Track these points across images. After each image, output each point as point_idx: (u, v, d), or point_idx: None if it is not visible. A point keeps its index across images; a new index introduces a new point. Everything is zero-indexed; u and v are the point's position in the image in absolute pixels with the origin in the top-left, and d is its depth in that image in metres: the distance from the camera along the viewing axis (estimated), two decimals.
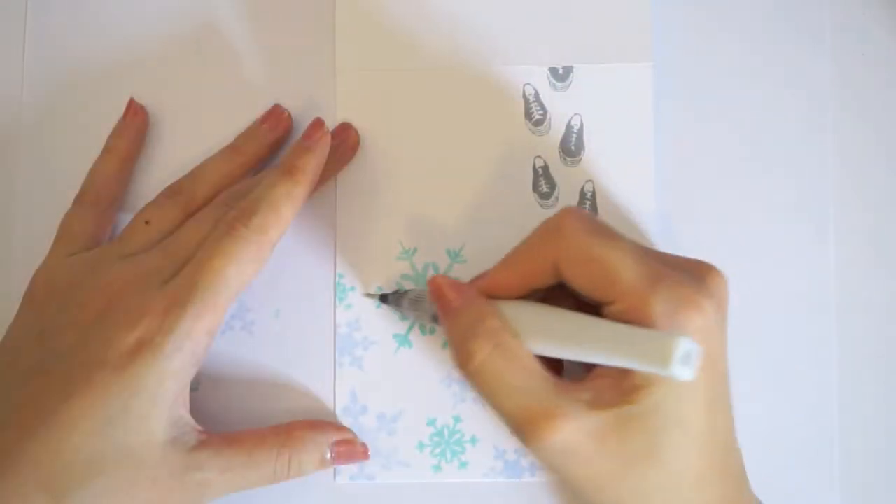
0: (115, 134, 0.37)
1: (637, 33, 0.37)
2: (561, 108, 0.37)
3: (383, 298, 0.36)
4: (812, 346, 0.37)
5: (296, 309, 0.37)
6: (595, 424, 0.29)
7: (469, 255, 0.37)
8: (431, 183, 0.37)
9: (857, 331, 0.37)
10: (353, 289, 0.37)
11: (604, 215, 0.37)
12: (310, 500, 0.36)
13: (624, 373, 0.29)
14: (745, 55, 0.38)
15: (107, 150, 0.37)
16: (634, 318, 0.28)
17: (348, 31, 0.38)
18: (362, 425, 0.36)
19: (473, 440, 0.36)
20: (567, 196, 0.37)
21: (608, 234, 0.30)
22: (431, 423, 0.37)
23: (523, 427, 0.29)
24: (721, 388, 0.30)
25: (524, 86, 0.38)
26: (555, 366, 0.31)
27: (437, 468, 0.36)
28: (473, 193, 0.37)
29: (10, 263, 0.37)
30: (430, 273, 0.37)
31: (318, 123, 0.35)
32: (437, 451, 0.36)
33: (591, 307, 0.30)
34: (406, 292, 0.36)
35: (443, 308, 0.32)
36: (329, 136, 0.35)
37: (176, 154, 0.38)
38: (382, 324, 0.37)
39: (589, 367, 0.30)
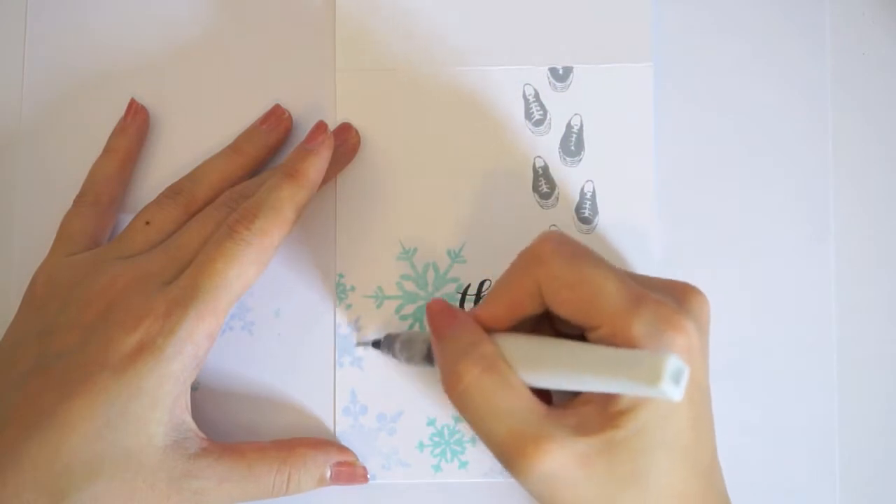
0: (116, 134, 0.37)
1: (637, 33, 0.37)
2: (561, 108, 0.37)
3: (375, 344, 0.36)
4: (812, 346, 0.37)
5: (296, 309, 0.37)
6: (582, 450, 0.28)
7: (469, 255, 0.37)
8: (431, 183, 0.37)
9: (857, 331, 0.37)
10: (353, 289, 0.37)
11: (604, 215, 0.37)
12: (310, 499, 0.36)
13: (609, 398, 0.29)
14: (744, 55, 0.38)
15: (107, 149, 0.37)
16: (619, 342, 0.28)
17: (348, 31, 0.38)
18: (362, 425, 0.36)
19: (473, 440, 0.36)
20: (567, 196, 0.37)
21: (588, 257, 0.30)
22: (431, 423, 0.37)
23: (510, 451, 0.29)
24: (704, 409, 0.30)
25: (524, 86, 0.38)
26: (544, 397, 0.30)
27: (437, 468, 0.36)
28: (473, 193, 0.37)
29: (10, 263, 0.37)
30: (431, 273, 0.37)
31: (320, 127, 0.35)
32: (437, 451, 0.36)
33: (581, 337, 0.30)
34: (397, 335, 0.35)
35: (436, 331, 0.32)
36: (332, 140, 0.35)
37: (176, 154, 0.38)
38: (382, 324, 0.37)
39: (574, 395, 0.30)
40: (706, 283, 0.37)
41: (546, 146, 0.37)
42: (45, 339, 0.32)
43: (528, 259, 0.31)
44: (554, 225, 0.37)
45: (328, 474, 0.35)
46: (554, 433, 0.28)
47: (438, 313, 0.32)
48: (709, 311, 0.30)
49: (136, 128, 0.37)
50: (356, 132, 0.37)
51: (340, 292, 0.37)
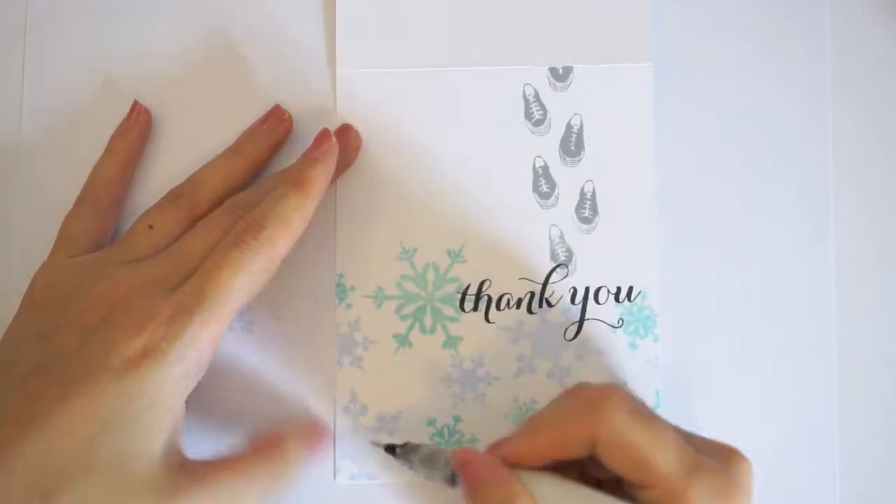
0: (118, 135, 0.37)
1: (637, 33, 0.37)
2: (561, 108, 0.37)
3: (390, 450, 0.34)
4: (812, 346, 0.37)
5: (296, 309, 0.37)
6: None
7: (469, 255, 0.37)
8: (431, 183, 0.37)
9: (857, 331, 0.37)
10: (353, 289, 0.37)
11: (604, 215, 0.37)
12: (310, 500, 0.36)
13: None
14: (744, 55, 0.38)
15: (109, 151, 0.37)
16: None
17: (348, 31, 0.38)
18: (362, 425, 0.36)
19: (473, 440, 0.36)
20: (567, 196, 0.37)
21: (649, 415, 0.30)
22: (431, 423, 0.37)
23: None
24: None
25: (524, 86, 0.38)
26: None
27: None
28: (473, 193, 0.37)
29: (10, 264, 0.37)
30: (431, 273, 0.37)
31: (325, 135, 0.35)
32: None
33: (614, 481, 0.30)
34: (418, 447, 0.34)
35: (470, 482, 0.31)
36: (337, 147, 0.35)
37: (177, 155, 0.38)
38: (382, 324, 0.37)
39: None
40: (706, 283, 0.37)
41: (546, 146, 0.37)
42: (45, 340, 0.32)
43: (587, 407, 0.30)
44: (554, 225, 0.37)
45: (308, 457, 0.34)
46: None
47: (468, 463, 0.31)
48: (753, 478, 0.31)
49: (138, 130, 0.37)
50: (357, 134, 0.37)
51: (340, 292, 0.37)
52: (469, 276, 0.37)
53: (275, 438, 0.34)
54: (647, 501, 0.29)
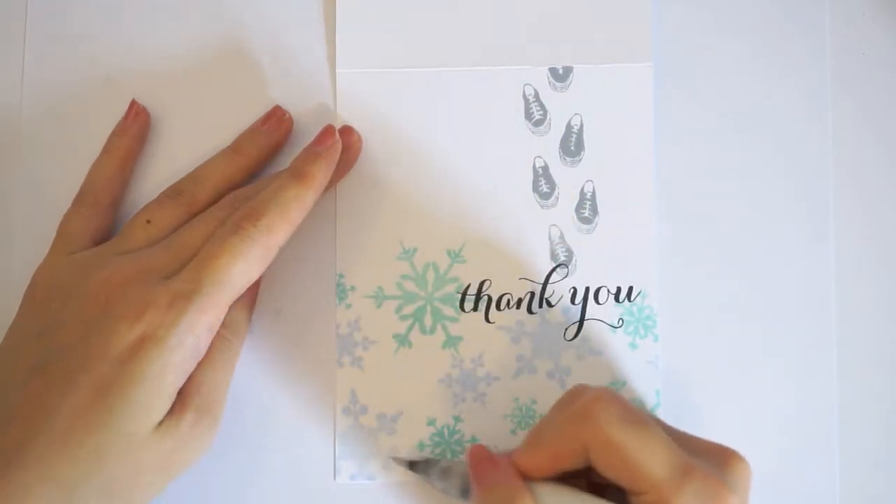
0: (117, 134, 0.37)
1: (637, 33, 0.37)
2: (561, 108, 0.37)
3: (412, 465, 0.35)
4: (812, 346, 0.37)
5: (296, 309, 0.37)
6: None
7: (469, 255, 0.37)
8: (431, 183, 0.37)
9: (857, 331, 0.37)
10: (353, 289, 0.37)
11: (604, 215, 0.37)
12: (310, 500, 0.36)
13: None
14: (744, 55, 0.38)
15: (107, 149, 0.37)
16: None
17: (348, 31, 0.38)
18: (362, 425, 0.36)
19: (473, 440, 0.36)
20: (567, 196, 0.37)
21: (638, 421, 0.30)
22: (431, 423, 0.37)
23: None
24: None
25: (524, 86, 0.38)
26: None
27: None
28: (473, 193, 0.37)
29: (10, 263, 0.37)
30: (431, 273, 0.37)
31: (329, 130, 0.35)
32: (438, 451, 0.36)
33: (618, 493, 0.31)
34: (437, 462, 0.35)
35: (478, 480, 0.32)
36: (340, 144, 0.35)
37: (176, 154, 0.38)
38: (382, 324, 0.37)
39: None
40: (706, 283, 0.37)
41: (546, 146, 0.37)
42: (46, 337, 0.32)
43: (577, 417, 0.31)
44: (554, 225, 0.37)
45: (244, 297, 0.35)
46: None
47: (479, 461, 0.32)
48: (750, 480, 0.31)
49: (136, 128, 0.37)
50: (358, 136, 0.37)
51: (340, 292, 0.37)
52: (469, 276, 0.37)
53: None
54: None
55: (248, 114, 0.37)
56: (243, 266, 0.32)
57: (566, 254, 0.37)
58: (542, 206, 0.37)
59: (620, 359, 0.37)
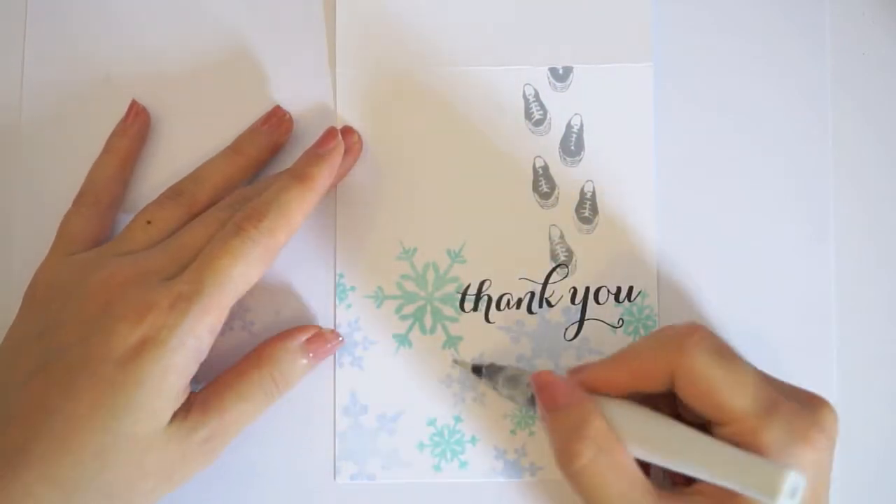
0: (117, 134, 0.37)
1: (637, 33, 0.37)
2: (561, 108, 0.37)
3: (476, 370, 0.36)
4: (812, 346, 0.37)
5: (296, 309, 0.37)
6: None
7: (469, 255, 0.37)
8: (431, 183, 0.37)
9: (857, 331, 0.37)
10: (353, 289, 0.37)
11: (604, 215, 0.37)
12: (310, 500, 0.36)
13: (728, 494, 0.29)
14: (744, 55, 0.38)
15: (107, 150, 0.37)
16: (745, 443, 0.29)
17: (348, 31, 0.38)
18: (362, 425, 0.36)
19: (473, 440, 0.36)
20: (567, 196, 0.37)
21: (730, 357, 0.31)
22: (431, 423, 0.37)
23: None
24: None
25: (524, 86, 0.38)
26: (643, 464, 0.31)
27: (437, 468, 0.36)
28: (473, 193, 0.37)
29: (10, 263, 0.37)
30: (431, 273, 0.37)
31: (332, 132, 0.35)
32: (437, 451, 0.36)
33: (694, 415, 0.31)
34: (502, 368, 0.35)
35: (547, 404, 0.32)
36: (342, 147, 0.35)
37: (176, 155, 0.38)
38: (382, 324, 0.37)
39: (686, 477, 0.30)
40: (706, 283, 0.37)
41: (546, 146, 0.37)
42: (47, 337, 0.32)
43: (669, 341, 0.31)
44: (554, 225, 0.37)
45: (306, 358, 0.35)
46: None
47: (546, 385, 0.32)
48: (837, 427, 0.31)
49: (136, 129, 0.37)
50: (359, 137, 0.37)
51: (340, 292, 0.37)
52: (469, 276, 0.37)
53: (265, 343, 0.35)
54: (723, 437, 0.30)
55: (248, 114, 0.37)
56: (244, 268, 0.32)
57: (566, 254, 0.37)
58: (542, 206, 0.37)
59: None
